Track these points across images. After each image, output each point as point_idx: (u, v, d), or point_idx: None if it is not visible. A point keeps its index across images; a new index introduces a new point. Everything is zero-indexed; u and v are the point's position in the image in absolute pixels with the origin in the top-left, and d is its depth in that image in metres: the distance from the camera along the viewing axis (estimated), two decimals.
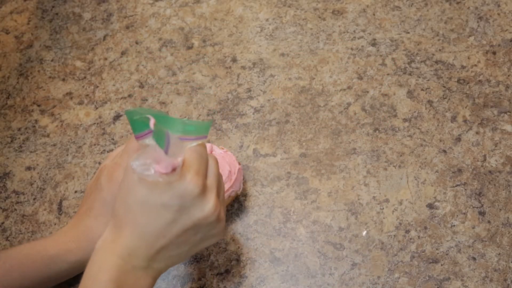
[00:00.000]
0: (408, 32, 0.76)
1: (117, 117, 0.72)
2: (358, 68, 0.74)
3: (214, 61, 0.75)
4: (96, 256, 0.48)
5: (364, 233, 0.63)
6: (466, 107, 0.70)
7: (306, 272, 0.61)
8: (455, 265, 0.61)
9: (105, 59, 0.77)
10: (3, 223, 0.66)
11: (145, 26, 0.79)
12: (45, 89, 0.75)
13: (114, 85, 0.74)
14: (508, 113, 0.70)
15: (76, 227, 0.57)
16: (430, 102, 0.71)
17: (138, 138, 0.49)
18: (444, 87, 0.72)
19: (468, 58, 0.74)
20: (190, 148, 0.49)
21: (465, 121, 0.69)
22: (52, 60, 0.77)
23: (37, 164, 0.69)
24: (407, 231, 0.63)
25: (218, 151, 0.63)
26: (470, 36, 0.76)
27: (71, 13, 0.81)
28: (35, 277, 0.55)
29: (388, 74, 0.73)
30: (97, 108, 0.73)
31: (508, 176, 0.66)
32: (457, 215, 0.64)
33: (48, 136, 0.71)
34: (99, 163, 0.69)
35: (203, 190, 0.48)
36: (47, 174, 0.69)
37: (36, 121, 0.73)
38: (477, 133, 0.68)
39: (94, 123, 0.72)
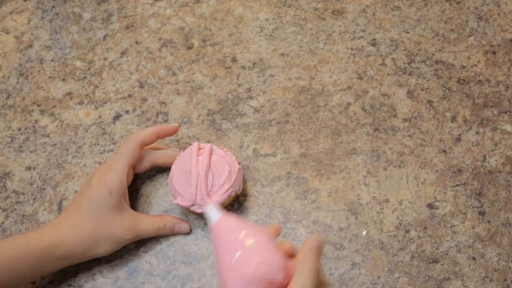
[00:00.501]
0: (408, 32, 0.76)
1: (117, 117, 0.72)
2: (358, 68, 0.74)
3: (214, 61, 0.75)
4: None
5: (364, 233, 0.63)
6: (466, 107, 0.70)
7: None
8: (455, 265, 0.61)
9: (105, 59, 0.77)
10: (3, 223, 0.66)
11: (145, 26, 0.79)
12: (45, 89, 0.75)
13: (114, 85, 0.74)
14: (508, 113, 0.70)
15: (63, 223, 0.59)
16: (430, 102, 0.71)
17: None
18: (444, 87, 0.72)
19: (468, 58, 0.74)
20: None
21: (465, 121, 0.69)
22: (52, 60, 0.77)
23: (37, 164, 0.69)
24: (407, 231, 0.63)
25: (218, 151, 0.63)
26: (470, 36, 0.76)
27: (71, 13, 0.81)
28: (25, 269, 0.55)
29: (388, 74, 0.73)
30: (97, 108, 0.73)
31: (508, 176, 0.66)
32: (457, 215, 0.64)
33: (48, 136, 0.71)
34: (99, 163, 0.69)
35: None
36: (47, 174, 0.69)
37: (36, 121, 0.73)
38: (477, 133, 0.68)
39: (94, 123, 0.72)
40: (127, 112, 0.72)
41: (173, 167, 0.63)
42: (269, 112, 0.71)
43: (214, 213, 0.46)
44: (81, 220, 0.58)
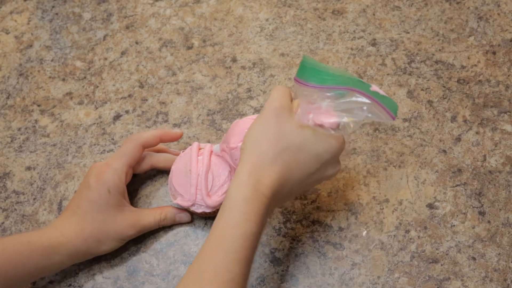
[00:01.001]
0: (408, 32, 0.76)
1: (117, 117, 0.72)
2: (358, 68, 0.74)
3: (214, 61, 0.75)
4: (236, 193, 0.49)
5: (364, 233, 0.63)
6: (466, 107, 0.70)
7: (306, 272, 0.61)
8: (455, 265, 0.61)
9: (105, 59, 0.77)
10: (3, 223, 0.66)
11: (145, 26, 0.79)
12: (45, 89, 0.75)
13: (114, 85, 0.74)
14: (508, 113, 0.70)
15: (66, 222, 0.59)
16: (430, 102, 0.71)
17: (300, 83, 0.51)
18: (444, 87, 0.72)
19: (468, 58, 0.74)
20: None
21: (465, 121, 0.69)
22: (52, 60, 0.77)
23: (37, 164, 0.69)
24: (407, 231, 0.63)
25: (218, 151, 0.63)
26: (470, 36, 0.76)
27: (71, 13, 0.81)
28: (31, 266, 0.56)
29: (388, 74, 0.73)
30: (97, 108, 0.73)
31: (508, 176, 0.66)
32: (457, 215, 0.64)
33: (48, 136, 0.71)
34: None
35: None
36: (47, 174, 0.69)
37: (36, 121, 0.73)
38: (477, 133, 0.68)
39: (94, 123, 0.72)
40: (127, 112, 0.72)
41: (173, 167, 0.63)
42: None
43: None
44: (83, 219, 0.58)
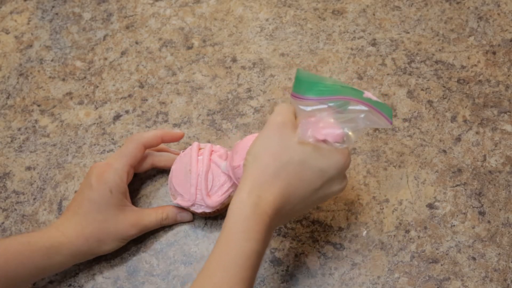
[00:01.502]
0: (408, 32, 0.76)
1: (117, 117, 0.72)
2: (358, 68, 0.74)
3: (214, 61, 0.75)
4: (237, 211, 0.49)
5: (364, 233, 0.63)
6: (466, 107, 0.70)
7: (306, 272, 0.61)
8: (455, 265, 0.61)
9: (105, 59, 0.77)
10: (3, 223, 0.66)
11: (145, 26, 0.79)
12: (45, 89, 0.75)
13: (114, 85, 0.74)
14: (508, 113, 0.70)
15: (67, 223, 0.59)
16: (430, 102, 0.71)
17: (297, 98, 0.51)
18: (444, 87, 0.72)
19: (468, 58, 0.74)
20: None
21: (465, 121, 0.69)
22: (52, 60, 0.77)
23: (37, 164, 0.69)
24: (407, 231, 0.63)
25: (220, 151, 0.63)
26: (470, 36, 0.76)
27: (71, 13, 0.81)
28: (32, 267, 0.56)
29: (388, 74, 0.73)
30: (97, 108, 0.73)
31: (508, 176, 0.66)
32: (457, 215, 0.64)
33: (48, 136, 0.71)
34: None
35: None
36: (47, 174, 0.69)
37: (36, 121, 0.73)
38: (477, 133, 0.68)
39: (94, 123, 0.72)
40: (127, 112, 0.72)
41: (173, 167, 0.63)
42: (269, 112, 0.71)
43: None
44: (84, 219, 0.58)
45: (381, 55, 0.74)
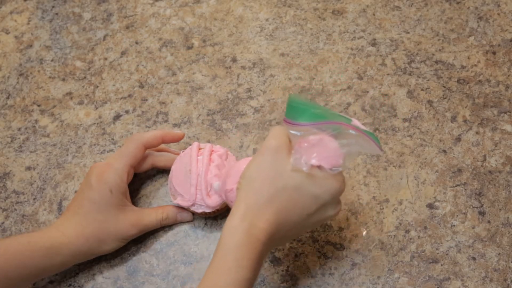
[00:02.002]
0: (408, 32, 0.76)
1: (117, 117, 0.72)
2: (358, 68, 0.74)
3: (214, 61, 0.75)
4: (229, 238, 0.48)
5: (364, 233, 0.63)
6: (466, 107, 0.70)
7: (306, 272, 0.61)
8: (455, 265, 0.61)
9: (105, 59, 0.77)
10: (3, 223, 0.66)
11: (145, 26, 0.79)
12: (45, 89, 0.75)
13: (114, 85, 0.74)
14: (508, 113, 0.70)
15: (67, 223, 0.59)
16: (430, 102, 0.71)
17: (290, 124, 0.50)
18: (444, 87, 0.72)
19: (468, 58, 0.74)
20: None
21: (465, 121, 0.69)
22: (52, 60, 0.77)
23: (37, 164, 0.69)
24: (407, 231, 0.63)
25: (220, 150, 0.63)
26: (470, 36, 0.76)
27: (71, 13, 0.81)
28: (33, 267, 0.56)
29: (388, 74, 0.73)
30: (97, 108, 0.73)
31: (508, 176, 0.66)
32: (457, 215, 0.64)
33: (48, 136, 0.71)
34: None
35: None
36: (47, 174, 0.69)
37: (36, 121, 0.73)
38: (477, 133, 0.68)
39: (94, 123, 0.72)
40: (127, 112, 0.72)
41: (173, 167, 0.63)
42: (269, 112, 0.71)
43: None
44: (85, 219, 0.58)
45: (381, 55, 0.74)
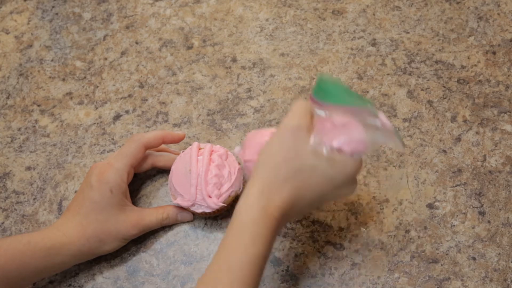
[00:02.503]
0: (408, 32, 0.76)
1: (117, 117, 0.72)
2: (358, 68, 0.74)
3: (214, 61, 0.75)
4: (245, 214, 0.48)
5: (364, 233, 0.63)
6: (466, 107, 0.70)
7: (306, 272, 0.61)
8: (455, 265, 0.61)
9: (105, 59, 0.77)
10: (3, 223, 0.66)
11: (145, 26, 0.79)
12: (45, 89, 0.75)
13: (114, 85, 0.74)
14: (508, 113, 0.70)
15: (68, 223, 0.59)
16: (430, 102, 0.71)
17: (316, 103, 0.50)
18: (444, 87, 0.72)
19: (468, 58, 0.74)
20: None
21: (465, 121, 0.69)
22: (52, 60, 0.77)
23: (37, 164, 0.69)
24: (407, 231, 0.63)
25: (220, 151, 0.63)
26: (470, 36, 0.76)
27: (71, 13, 0.81)
28: (34, 267, 0.56)
29: (388, 74, 0.73)
30: (97, 108, 0.73)
31: (508, 176, 0.66)
32: (457, 215, 0.64)
33: (48, 136, 0.71)
34: None
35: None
36: (47, 174, 0.69)
37: (36, 121, 0.73)
38: (477, 133, 0.68)
39: (94, 123, 0.72)
40: (127, 112, 0.72)
41: (173, 167, 0.63)
42: (269, 112, 0.71)
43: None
44: (85, 219, 0.58)
45: (381, 55, 0.74)
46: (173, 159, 0.64)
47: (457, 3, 0.78)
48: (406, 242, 0.62)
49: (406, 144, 0.68)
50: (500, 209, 0.64)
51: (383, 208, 0.64)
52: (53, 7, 0.82)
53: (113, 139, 0.71)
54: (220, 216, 0.65)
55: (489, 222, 0.63)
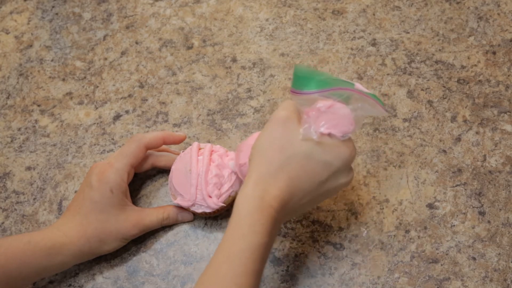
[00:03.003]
0: (408, 32, 0.76)
1: (117, 117, 0.72)
2: (358, 68, 0.74)
3: (214, 61, 0.75)
4: (242, 205, 0.49)
5: (364, 233, 0.63)
6: (466, 107, 0.70)
7: (306, 272, 0.61)
8: (455, 265, 0.61)
9: (105, 59, 0.77)
10: (3, 223, 0.66)
11: (145, 26, 0.79)
12: (45, 89, 0.75)
13: (114, 85, 0.75)
14: (508, 113, 0.70)
15: (68, 223, 0.59)
16: (430, 102, 0.71)
17: (296, 93, 0.52)
18: (444, 87, 0.72)
19: (468, 58, 0.74)
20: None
21: (465, 121, 0.69)
22: (52, 60, 0.77)
23: (37, 164, 0.69)
24: (407, 231, 0.63)
25: (220, 151, 0.63)
26: (470, 36, 0.76)
27: (71, 13, 0.81)
28: (34, 266, 0.56)
29: (388, 74, 0.73)
30: (97, 108, 0.73)
31: (508, 176, 0.66)
32: (457, 215, 0.64)
33: (48, 136, 0.71)
34: None
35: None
36: (47, 174, 0.69)
37: (36, 121, 0.73)
38: (477, 133, 0.68)
39: (94, 123, 0.72)
40: (127, 112, 0.72)
41: (173, 167, 0.63)
42: (269, 112, 0.71)
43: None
44: (86, 219, 0.58)
45: (381, 55, 0.74)
46: (173, 159, 0.64)
47: (457, 3, 0.78)
48: (406, 242, 0.62)
49: (406, 144, 0.68)
50: (500, 209, 0.64)
51: (383, 208, 0.64)
52: (53, 7, 0.82)
53: (113, 139, 0.71)
54: (220, 216, 0.65)
55: (489, 222, 0.63)
